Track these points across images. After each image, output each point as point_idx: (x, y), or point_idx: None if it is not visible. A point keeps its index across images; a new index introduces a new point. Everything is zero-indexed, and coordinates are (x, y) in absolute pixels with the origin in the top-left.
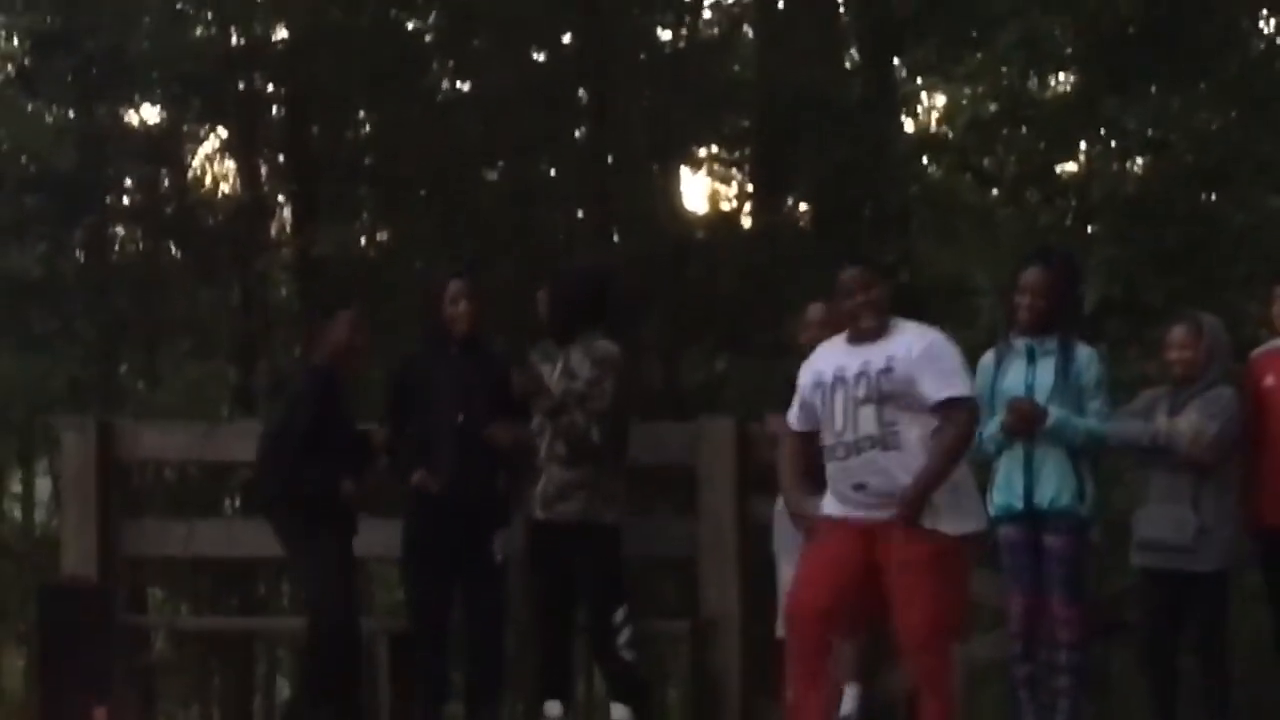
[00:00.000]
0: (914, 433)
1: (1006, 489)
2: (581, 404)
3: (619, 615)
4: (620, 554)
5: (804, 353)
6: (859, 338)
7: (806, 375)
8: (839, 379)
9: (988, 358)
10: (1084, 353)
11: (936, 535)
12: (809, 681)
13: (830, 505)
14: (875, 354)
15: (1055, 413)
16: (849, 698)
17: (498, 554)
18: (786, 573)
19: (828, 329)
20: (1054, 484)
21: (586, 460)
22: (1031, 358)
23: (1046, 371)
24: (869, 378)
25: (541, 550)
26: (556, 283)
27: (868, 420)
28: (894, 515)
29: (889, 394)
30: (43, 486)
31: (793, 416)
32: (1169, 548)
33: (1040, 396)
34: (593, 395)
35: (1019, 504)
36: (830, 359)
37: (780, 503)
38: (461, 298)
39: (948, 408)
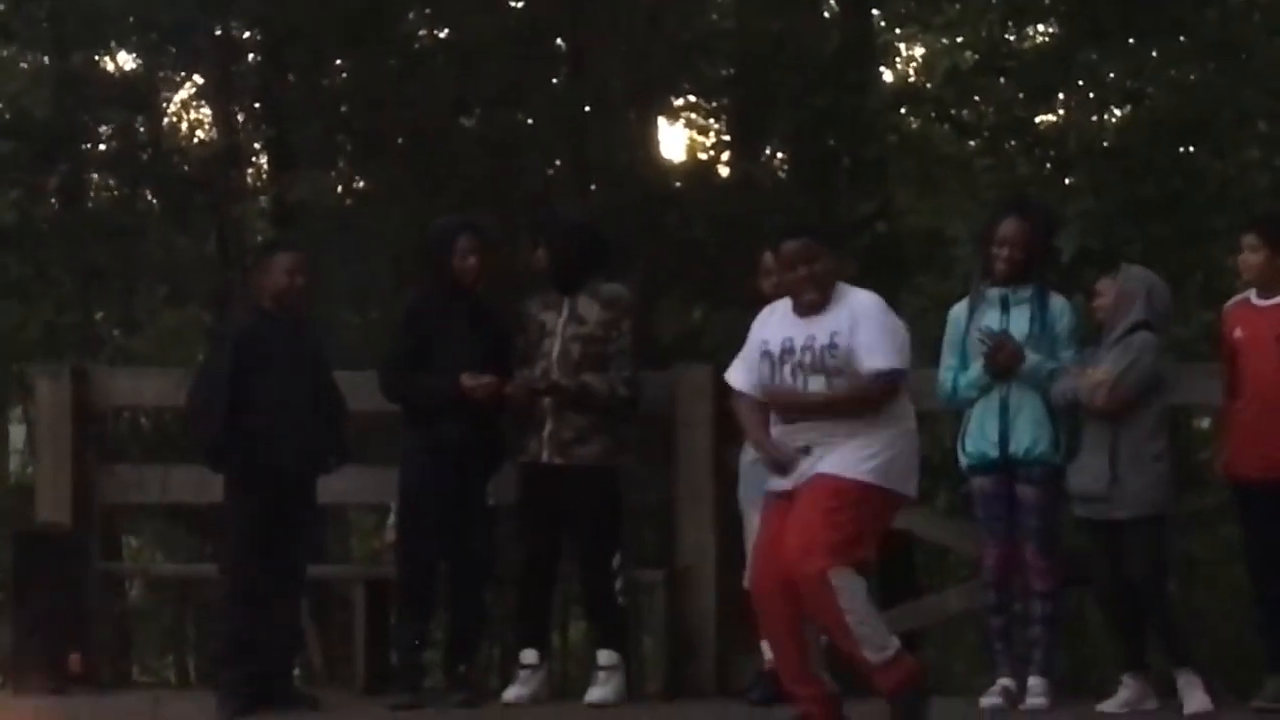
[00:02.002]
0: (861, 410)
1: (980, 437)
2: (596, 350)
3: (616, 561)
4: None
5: (768, 299)
6: (802, 309)
7: (754, 341)
8: (786, 350)
9: (959, 308)
10: (1058, 302)
11: (839, 479)
12: (782, 641)
13: (775, 480)
14: (820, 329)
15: (1030, 356)
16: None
17: (490, 498)
18: (754, 523)
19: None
20: (1030, 432)
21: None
22: (1005, 307)
23: (1021, 320)
24: (813, 352)
25: (539, 496)
26: (557, 232)
27: (817, 388)
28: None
29: (836, 369)
30: (17, 434)
31: (738, 377)
32: (1091, 497)
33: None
34: (611, 338)
35: (994, 452)
36: (778, 329)
37: (747, 454)
38: (472, 252)
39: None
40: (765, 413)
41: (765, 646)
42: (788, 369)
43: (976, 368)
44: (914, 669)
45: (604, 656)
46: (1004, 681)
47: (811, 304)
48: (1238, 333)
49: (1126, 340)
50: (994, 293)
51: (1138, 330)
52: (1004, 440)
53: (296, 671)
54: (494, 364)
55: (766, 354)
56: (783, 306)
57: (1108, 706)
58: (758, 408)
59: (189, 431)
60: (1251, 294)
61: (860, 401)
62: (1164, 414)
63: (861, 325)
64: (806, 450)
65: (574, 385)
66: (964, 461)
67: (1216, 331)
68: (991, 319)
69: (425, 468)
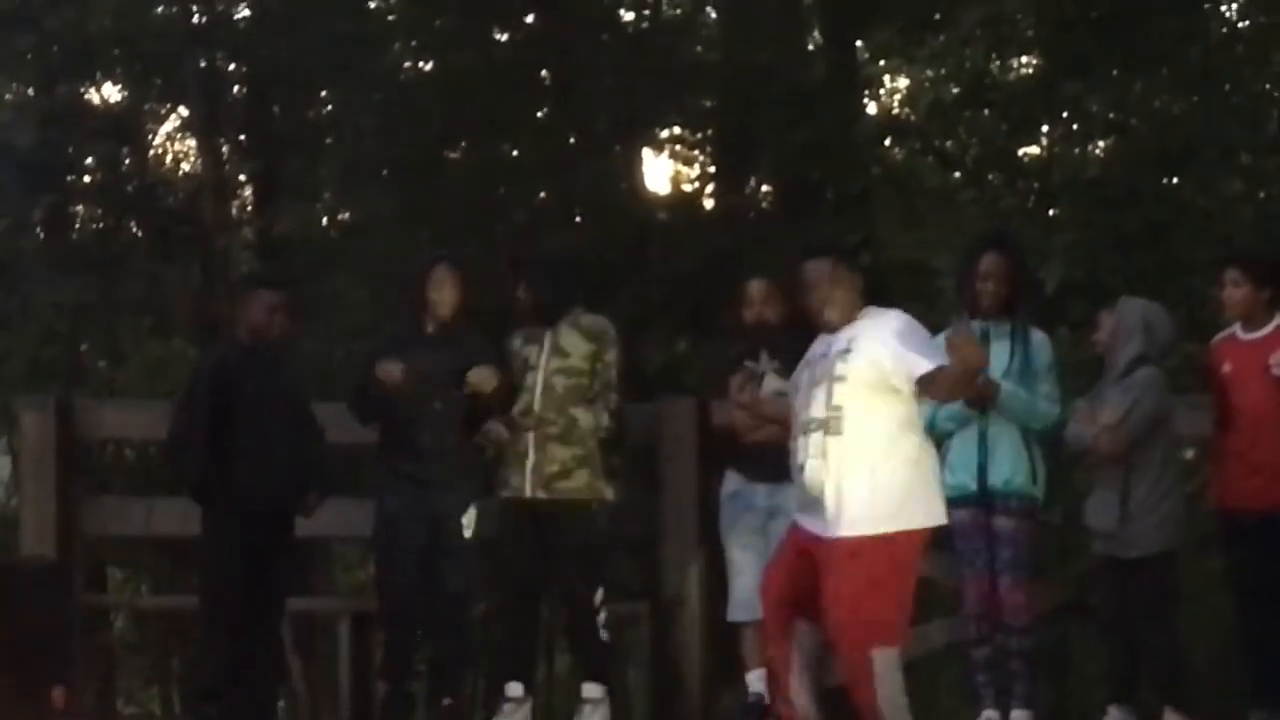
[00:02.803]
0: (864, 421)
1: (961, 469)
2: (581, 385)
3: (599, 595)
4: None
5: (748, 331)
6: (828, 330)
7: (802, 362)
8: (808, 364)
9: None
10: (1037, 336)
11: (859, 539)
12: (779, 640)
13: (801, 516)
14: (840, 338)
15: (1005, 385)
16: (755, 679)
17: (466, 530)
18: (736, 555)
19: (769, 306)
20: (1009, 464)
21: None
22: (985, 340)
23: (1001, 353)
24: (827, 359)
25: (522, 530)
26: (536, 268)
27: (818, 403)
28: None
29: (840, 375)
30: (2, 465)
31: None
32: (1102, 535)
33: (995, 377)
34: (596, 371)
35: (972, 484)
36: (815, 347)
37: (727, 486)
38: (446, 284)
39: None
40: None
41: (750, 678)
42: (804, 381)
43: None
44: None
45: (589, 689)
46: (989, 714)
47: (828, 326)
48: (1226, 367)
49: (1128, 380)
50: (975, 326)
51: (1138, 365)
52: (982, 472)
53: (281, 704)
54: (462, 395)
55: (805, 365)
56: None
57: None
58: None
59: (170, 464)
60: (1237, 328)
61: (963, 379)
62: (1171, 449)
63: (908, 329)
64: (801, 468)
65: (560, 427)
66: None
67: (1204, 364)
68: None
69: (396, 501)
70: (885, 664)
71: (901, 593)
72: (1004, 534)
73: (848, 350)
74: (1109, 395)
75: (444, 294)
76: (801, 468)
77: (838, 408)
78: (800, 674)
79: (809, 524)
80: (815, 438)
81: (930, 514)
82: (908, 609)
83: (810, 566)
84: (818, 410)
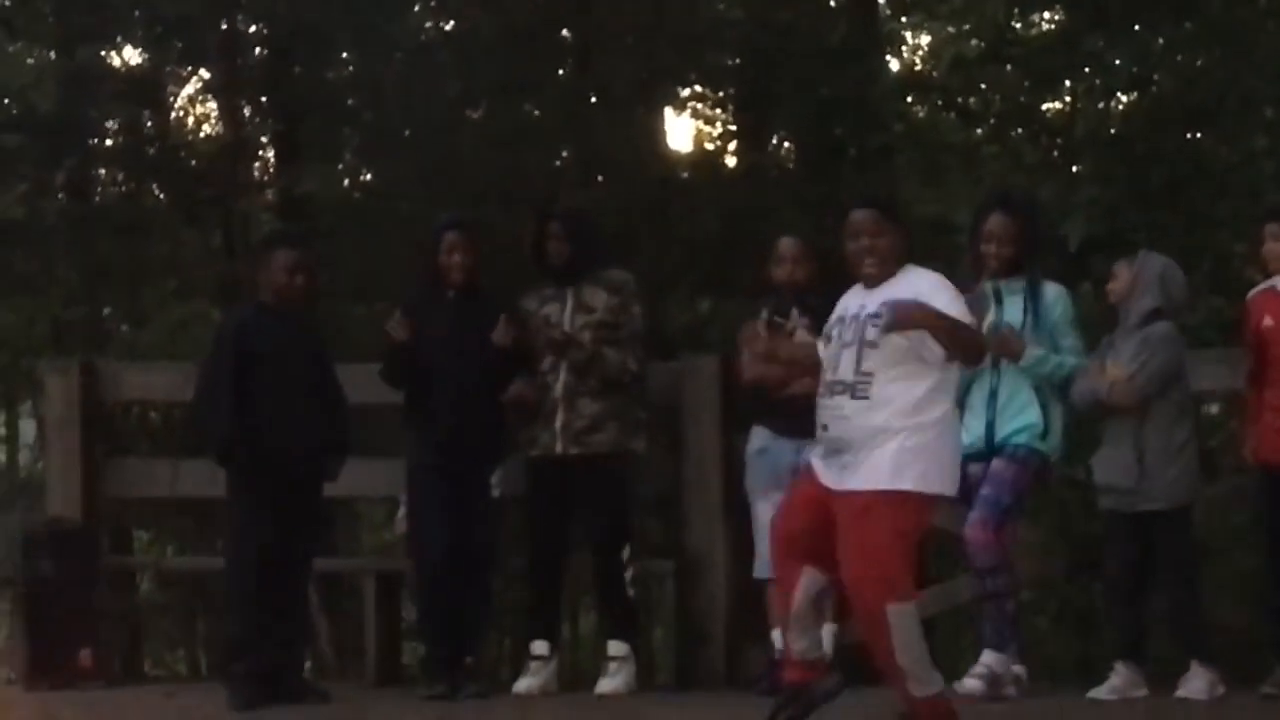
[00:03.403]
0: (889, 387)
1: (973, 423)
2: (608, 335)
3: (626, 552)
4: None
5: (778, 289)
6: (866, 282)
7: (834, 315)
8: (839, 320)
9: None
10: (1051, 291)
11: (880, 494)
12: (790, 569)
13: (814, 451)
14: (873, 298)
15: (1032, 350)
16: (827, 634)
17: (495, 489)
18: (762, 512)
19: (800, 265)
20: (1016, 420)
21: (624, 390)
22: (999, 299)
23: (1015, 310)
24: (859, 321)
25: (550, 488)
26: (572, 222)
27: (846, 365)
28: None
29: (871, 341)
30: (27, 429)
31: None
32: (1118, 490)
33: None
34: (621, 322)
35: (981, 443)
36: (849, 301)
37: (753, 443)
38: (456, 249)
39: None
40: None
41: (776, 636)
42: (835, 341)
43: None
44: (950, 713)
45: (614, 647)
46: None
47: (870, 277)
48: (1266, 321)
49: (1145, 332)
50: (987, 286)
51: (1153, 319)
52: (990, 429)
53: (308, 664)
54: (482, 358)
55: (836, 323)
56: (858, 285)
57: (1097, 693)
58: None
59: (195, 427)
60: (1277, 281)
61: (970, 342)
62: (1186, 403)
63: (934, 298)
64: (825, 427)
65: (588, 352)
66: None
67: (1237, 319)
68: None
69: (425, 460)
70: (901, 618)
71: (908, 546)
72: (990, 473)
73: (877, 315)
74: (1121, 347)
75: (455, 258)
76: (825, 427)
77: (866, 373)
78: (800, 617)
79: (825, 474)
80: (841, 399)
81: (945, 482)
82: (913, 565)
83: (823, 517)
84: (845, 373)
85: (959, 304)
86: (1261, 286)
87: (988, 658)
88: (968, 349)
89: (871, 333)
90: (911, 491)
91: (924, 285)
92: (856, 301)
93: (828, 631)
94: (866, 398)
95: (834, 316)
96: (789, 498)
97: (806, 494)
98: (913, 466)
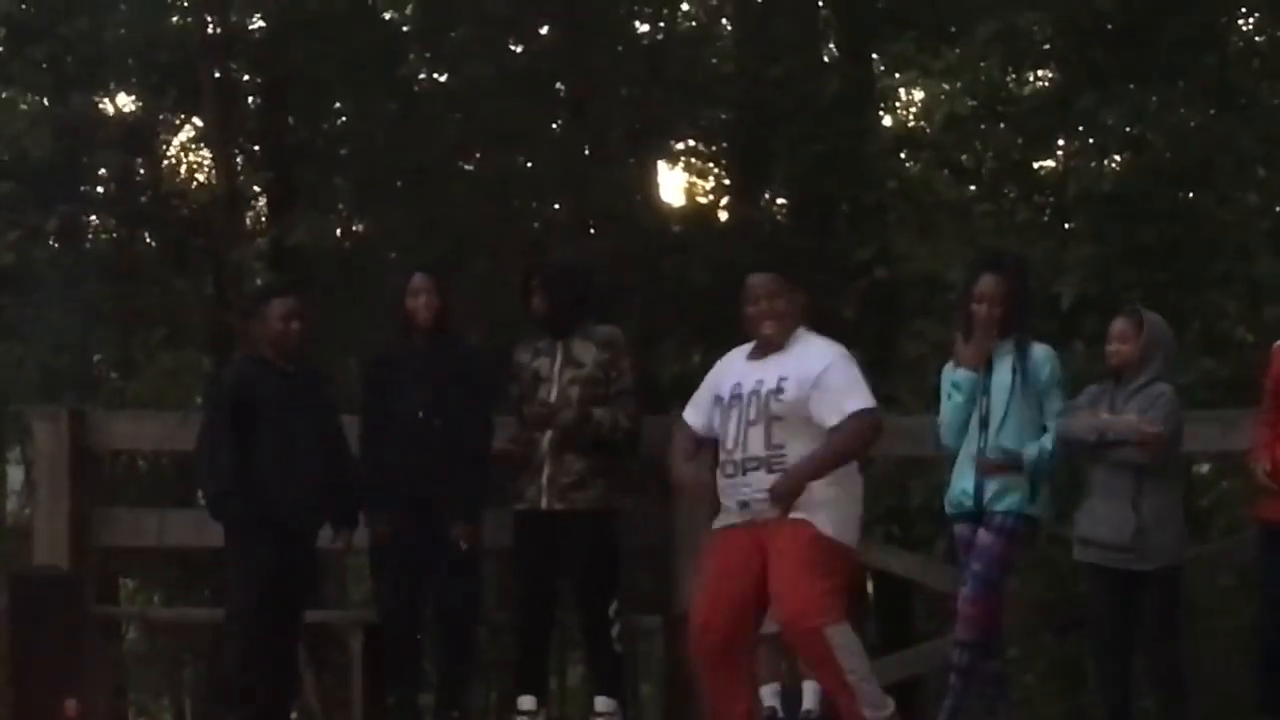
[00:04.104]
0: (803, 455)
1: (958, 485)
2: (596, 392)
3: (613, 608)
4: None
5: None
6: (760, 349)
7: (709, 384)
8: (735, 396)
9: (949, 367)
10: (1039, 352)
11: (812, 527)
12: (724, 692)
13: (721, 519)
14: (770, 372)
15: (1027, 453)
16: (770, 694)
17: (462, 544)
18: None
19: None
20: (1001, 481)
21: (614, 447)
22: (989, 364)
23: (1003, 372)
24: (759, 398)
25: (536, 542)
26: (553, 276)
27: (755, 442)
28: (769, 504)
29: (777, 415)
30: (15, 475)
31: (689, 413)
32: (1109, 546)
33: (999, 396)
34: (611, 378)
35: (969, 501)
36: (732, 373)
37: None
38: (422, 291)
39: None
40: (697, 444)
41: (764, 693)
42: (733, 417)
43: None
44: None
45: (601, 703)
46: None
47: (768, 340)
48: None
49: (1155, 393)
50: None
51: (1156, 382)
52: (979, 490)
53: (294, 715)
54: (454, 401)
55: (718, 398)
56: (741, 351)
57: None
58: (693, 439)
59: (197, 485)
60: None
61: (855, 446)
62: (1181, 464)
63: (831, 369)
64: (745, 505)
65: (576, 414)
66: (946, 509)
67: (1227, 377)
68: (966, 378)
69: (388, 518)
70: (842, 636)
71: (841, 584)
72: (979, 546)
73: (779, 390)
74: (1125, 407)
75: (420, 301)
76: (746, 505)
77: (779, 445)
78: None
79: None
80: (756, 475)
81: (852, 534)
82: (844, 602)
83: (749, 562)
84: (756, 449)
85: (848, 369)
86: None
87: None
88: (856, 456)
89: (776, 407)
90: (841, 543)
91: (814, 355)
92: (753, 376)
93: (770, 691)
94: (784, 469)
95: (726, 384)
96: (709, 574)
97: (726, 551)
98: (837, 523)
